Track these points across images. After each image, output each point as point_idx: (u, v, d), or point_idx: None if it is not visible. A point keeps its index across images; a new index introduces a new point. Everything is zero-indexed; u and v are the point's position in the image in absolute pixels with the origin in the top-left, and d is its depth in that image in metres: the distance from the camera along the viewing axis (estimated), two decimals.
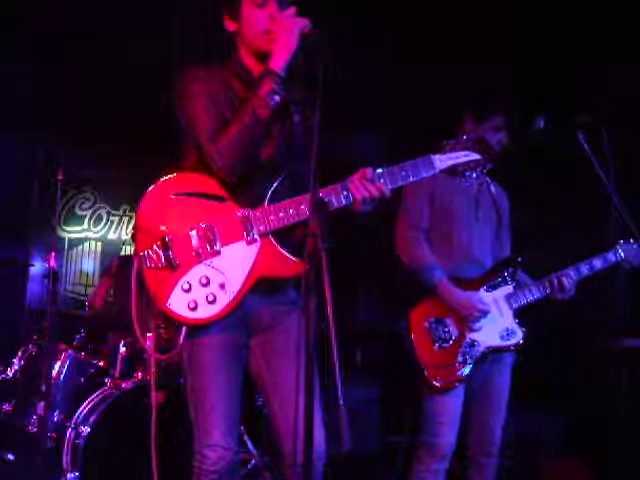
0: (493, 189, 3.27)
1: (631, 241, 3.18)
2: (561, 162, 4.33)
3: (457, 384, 2.94)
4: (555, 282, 3.08)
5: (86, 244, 6.64)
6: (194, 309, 2.10)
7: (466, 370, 2.94)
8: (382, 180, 2.16)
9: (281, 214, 2.15)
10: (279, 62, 2.14)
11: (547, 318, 3.24)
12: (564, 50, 4.51)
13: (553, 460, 4.44)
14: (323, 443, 2.17)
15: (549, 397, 4.58)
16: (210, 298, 2.10)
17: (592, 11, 4.25)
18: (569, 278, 3.08)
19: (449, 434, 2.96)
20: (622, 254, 3.17)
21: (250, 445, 3.92)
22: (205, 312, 2.11)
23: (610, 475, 4.00)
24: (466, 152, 2.24)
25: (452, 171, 2.24)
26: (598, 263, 3.15)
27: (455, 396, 2.97)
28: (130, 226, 6.57)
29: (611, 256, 3.16)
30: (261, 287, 2.18)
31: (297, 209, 2.15)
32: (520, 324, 3.04)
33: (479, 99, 3.25)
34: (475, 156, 2.24)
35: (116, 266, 5.06)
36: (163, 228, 2.14)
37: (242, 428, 3.78)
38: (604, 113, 3.13)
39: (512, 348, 3.03)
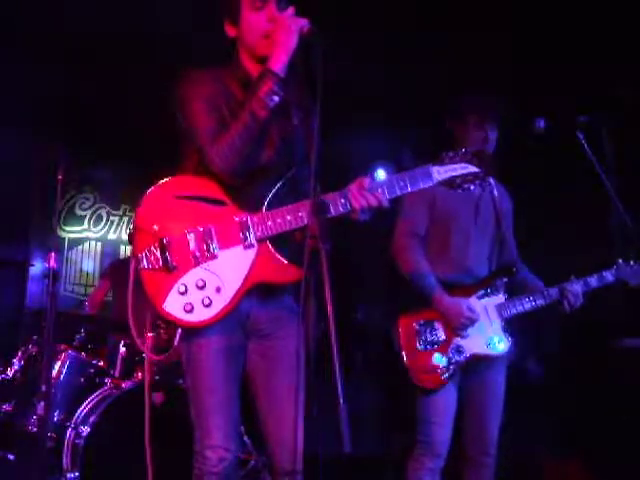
0: (496, 192, 3.27)
1: (631, 262, 3.18)
2: (561, 162, 4.33)
3: (439, 385, 2.95)
4: (553, 295, 3.09)
5: (86, 244, 6.64)
6: (190, 312, 2.10)
7: (448, 374, 2.96)
8: (380, 190, 2.16)
9: (279, 220, 2.15)
10: (278, 62, 2.14)
11: (547, 318, 3.24)
12: (564, 50, 4.51)
13: (553, 460, 4.44)
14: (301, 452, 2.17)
15: (549, 397, 4.58)
16: (206, 301, 2.11)
17: (592, 10, 4.25)
18: (570, 292, 3.08)
19: (442, 433, 2.99)
20: (620, 274, 3.17)
21: (250, 445, 3.93)
22: (201, 315, 2.11)
23: (610, 475, 3.99)
24: (464, 164, 2.24)
25: (450, 183, 2.24)
26: (594, 282, 3.15)
27: (446, 395, 2.99)
28: (130, 226, 6.56)
29: (608, 275, 3.17)
30: (257, 292, 2.19)
31: (295, 216, 2.14)
32: (508, 334, 3.04)
33: (453, 105, 3.25)
34: (473, 169, 2.24)
35: (114, 268, 5.07)
36: (161, 230, 2.14)
37: (242, 428, 3.78)
38: (604, 113, 3.13)
39: (498, 357, 3.04)
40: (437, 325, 3.01)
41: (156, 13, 4.38)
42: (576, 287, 3.11)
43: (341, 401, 1.69)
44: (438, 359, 2.97)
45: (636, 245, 3.18)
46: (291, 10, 2.16)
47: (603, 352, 4.34)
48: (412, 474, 3.00)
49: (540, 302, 3.11)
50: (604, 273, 3.17)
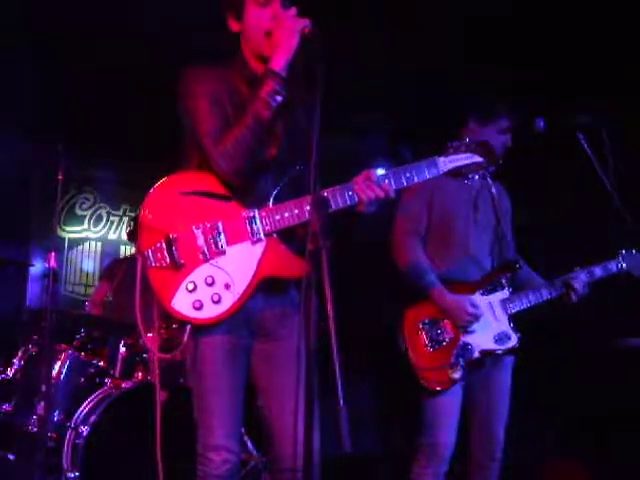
0: (494, 190, 3.27)
1: (633, 252, 3.17)
2: (561, 163, 4.33)
3: (448, 386, 2.93)
4: (559, 287, 3.08)
5: (86, 244, 6.64)
6: (199, 309, 2.09)
7: (457, 373, 2.93)
8: (386, 181, 2.17)
9: (286, 214, 2.15)
10: (280, 62, 2.14)
11: (547, 318, 3.24)
12: (564, 50, 4.52)
13: (553, 461, 4.43)
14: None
15: (549, 397, 4.57)
16: (215, 298, 2.10)
17: (593, 12, 4.26)
18: (576, 281, 3.08)
19: (447, 436, 2.96)
20: (624, 264, 3.16)
21: (250, 446, 3.92)
22: (210, 312, 2.10)
23: (610, 475, 3.99)
24: (469, 154, 2.25)
25: (455, 173, 2.26)
26: (598, 271, 3.15)
27: (451, 398, 2.97)
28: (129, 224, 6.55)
29: (612, 265, 3.16)
30: (265, 288, 2.18)
31: (302, 209, 2.14)
32: (515, 329, 3.03)
33: (484, 102, 3.24)
34: (478, 159, 2.26)
35: (112, 268, 5.06)
36: (168, 227, 2.13)
37: (242, 429, 3.77)
38: (604, 113, 3.13)
39: (506, 352, 3.02)
40: (443, 323, 2.99)
41: (156, 13, 4.38)
42: (581, 276, 3.10)
43: (341, 401, 1.68)
44: (446, 358, 2.94)
45: (635, 245, 3.18)
46: (293, 10, 2.17)
47: (603, 352, 4.34)
48: (415, 478, 2.98)
49: (546, 295, 3.09)
50: (608, 264, 3.16)
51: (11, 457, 3.72)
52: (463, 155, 2.25)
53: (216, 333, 2.15)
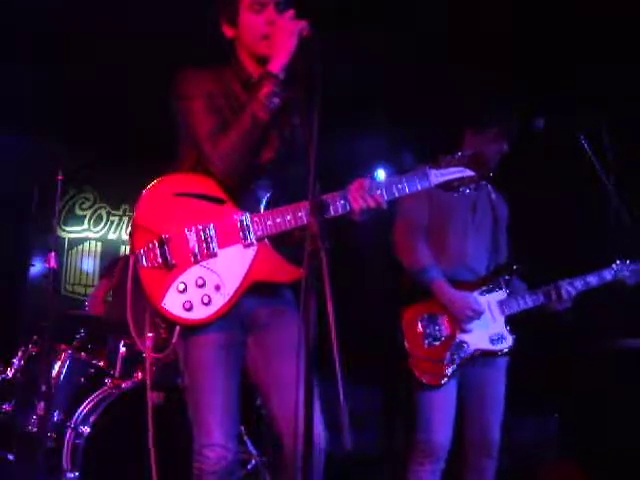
0: (493, 196, 3.28)
1: (628, 262, 3.18)
2: (561, 162, 4.33)
3: (443, 381, 2.95)
4: (552, 293, 3.08)
5: (86, 244, 6.65)
6: (189, 310, 2.10)
7: (452, 369, 2.96)
8: (379, 191, 2.17)
9: (278, 220, 2.16)
10: (278, 64, 2.13)
11: (546, 318, 3.24)
12: (564, 50, 4.52)
13: (551, 462, 4.43)
14: (323, 438, 2.16)
15: (547, 398, 4.58)
16: (205, 299, 2.11)
17: (592, 11, 4.26)
18: (566, 290, 3.08)
19: (442, 432, 2.98)
20: (619, 273, 3.16)
21: (250, 445, 3.93)
22: (200, 313, 2.11)
23: (608, 477, 3.99)
24: (461, 168, 2.24)
25: (447, 186, 2.25)
26: (593, 280, 3.15)
27: (446, 394, 2.99)
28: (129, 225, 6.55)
29: (607, 274, 3.17)
30: (257, 289, 2.19)
31: (294, 215, 2.15)
32: (511, 330, 3.05)
33: (477, 112, 3.24)
34: (469, 173, 2.24)
35: (114, 267, 5.06)
36: (161, 227, 2.14)
37: (242, 428, 3.78)
38: (605, 113, 3.14)
39: (501, 353, 3.04)
40: (441, 320, 3.02)
41: (156, 13, 4.38)
42: (570, 288, 3.09)
43: (342, 399, 1.69)
44: (441, 354, 2.97)
45: (633, 244, 3.18)
46: (291, 12, 2.16)
47: (602, 352, 4.34)
48: (412, 476, 2.99)
49: (541, 300, 3.11)
50: (603, 272, 3.17)
51: (11, 457, 3.73)
52: (455, 169, 2.24)
53: (207, 332, 2.16)
